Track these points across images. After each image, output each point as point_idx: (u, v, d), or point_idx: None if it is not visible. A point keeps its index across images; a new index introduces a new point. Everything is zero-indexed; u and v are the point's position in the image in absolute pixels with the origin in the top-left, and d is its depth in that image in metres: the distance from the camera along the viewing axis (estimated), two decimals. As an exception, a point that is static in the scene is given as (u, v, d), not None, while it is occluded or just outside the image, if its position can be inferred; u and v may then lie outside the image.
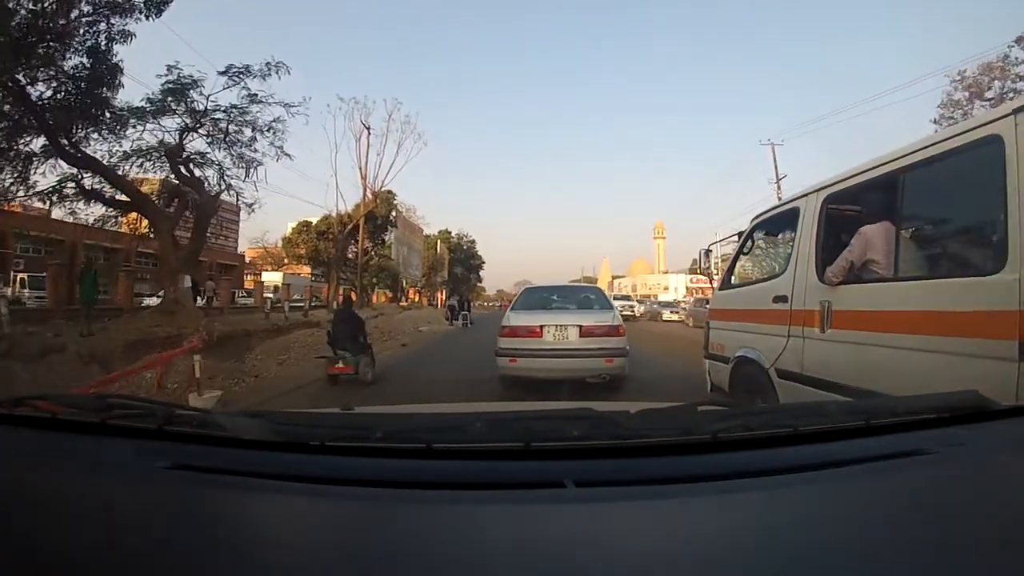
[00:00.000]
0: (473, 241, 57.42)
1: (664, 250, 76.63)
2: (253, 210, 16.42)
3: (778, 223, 3.47)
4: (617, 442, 0.81)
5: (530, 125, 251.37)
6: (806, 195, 2.98)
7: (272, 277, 41.93)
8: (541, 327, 5.43)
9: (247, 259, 48.71)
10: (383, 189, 32.39)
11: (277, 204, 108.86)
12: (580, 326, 5.40)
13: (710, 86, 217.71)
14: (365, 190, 28.80)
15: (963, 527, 0.65)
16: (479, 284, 71.75)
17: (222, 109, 13.53)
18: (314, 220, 33.20)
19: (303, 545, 0.61)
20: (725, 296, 3.89)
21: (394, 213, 33.74)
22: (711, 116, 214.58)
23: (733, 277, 3.90)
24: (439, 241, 48.13)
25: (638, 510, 0.68)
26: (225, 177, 14.64)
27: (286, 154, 14.71)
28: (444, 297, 51.90)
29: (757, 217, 3.71)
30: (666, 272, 64.93)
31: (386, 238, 34.19)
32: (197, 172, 14.14)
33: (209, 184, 14.35)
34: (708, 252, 5.07)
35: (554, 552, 0.59)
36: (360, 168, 28.93)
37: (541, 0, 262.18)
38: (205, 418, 0.90)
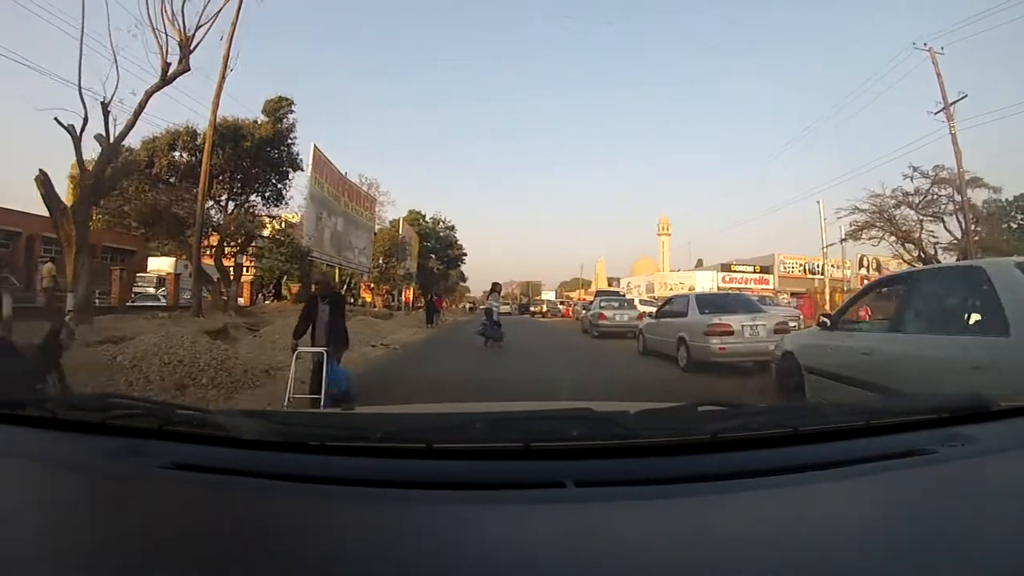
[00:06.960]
0: (452, 227, 44.28)
1: (669, 247, 69.22)
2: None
3: None
4: (617, 442, 0.81)
5: (519, 119, 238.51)
6: None
7: (161, 264, 29.22)
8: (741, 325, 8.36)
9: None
10: (233, 74, 14.64)
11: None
12: (765, 324, 8.30)
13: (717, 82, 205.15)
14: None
15: (963, 527, 0.66)
16: (462, 283, 59.43)
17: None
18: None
19: (303, 545, 0.61)
20: None
21: (310, 154, 17.88)
22: (709, 113, 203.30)
23: None
24: (403, 221, 35.83)
25: (638, 510, 0.69)
26: None
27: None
28: (412, 297, 38.94)
29: None
30: (678, 270, 53.01)
31: (285, 192, 18.31)
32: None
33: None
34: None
35: (554, 552, 0.59)
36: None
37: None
38: (205, 418, 0.90)
